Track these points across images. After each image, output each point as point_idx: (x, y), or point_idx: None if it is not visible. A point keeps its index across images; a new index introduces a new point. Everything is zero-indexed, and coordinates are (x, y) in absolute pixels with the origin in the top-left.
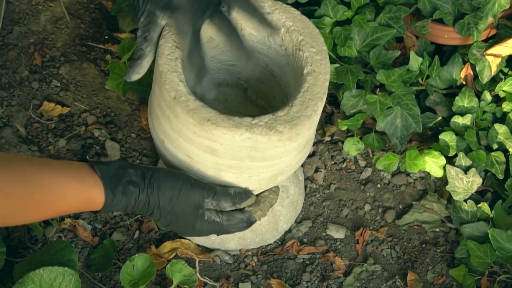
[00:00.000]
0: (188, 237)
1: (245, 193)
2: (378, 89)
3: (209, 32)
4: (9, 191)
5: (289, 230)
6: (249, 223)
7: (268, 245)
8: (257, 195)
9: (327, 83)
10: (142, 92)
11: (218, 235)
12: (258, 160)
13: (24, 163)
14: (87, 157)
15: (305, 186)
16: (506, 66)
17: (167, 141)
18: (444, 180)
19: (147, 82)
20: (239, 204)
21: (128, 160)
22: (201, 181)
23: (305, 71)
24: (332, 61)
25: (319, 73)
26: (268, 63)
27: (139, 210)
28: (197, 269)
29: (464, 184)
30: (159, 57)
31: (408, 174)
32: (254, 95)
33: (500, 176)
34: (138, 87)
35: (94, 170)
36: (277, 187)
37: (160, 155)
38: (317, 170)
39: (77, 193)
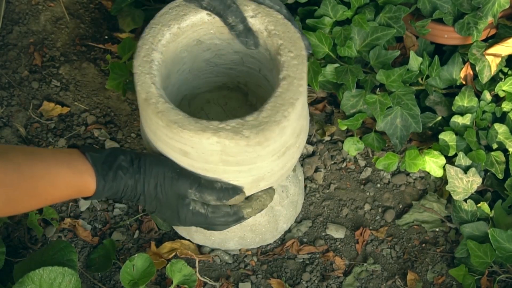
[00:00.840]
0: (188, 237)
1: (233, 189)
2: (378, 89)
3: (194, 34)
4: (3, 182)
5: (289, 230)
6: (237, 218)
7: (268, 245)
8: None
9: (302, 89)
10: None
11: (205, 228)
12: (231, 165)
13: (16, 153)
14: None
15: (305, 186)
16: (506, 66)
17: (147, 140)
18: (444, 180)
19: None
20: (225, 200)
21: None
22: (188, 171)
23: (280, 76)
24: (332, 61)
25: (293, 78)
26: (261, 68)
27: (127, 195)
28: (197, 269)
29: (464, 183)
30: (135, 59)
31: (408, 174)
32: (254, 99)
33: (500, 176)
34: None
35: (85, 157)
36: (272, 189)
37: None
38: (317, 170)
39: (69, 180)
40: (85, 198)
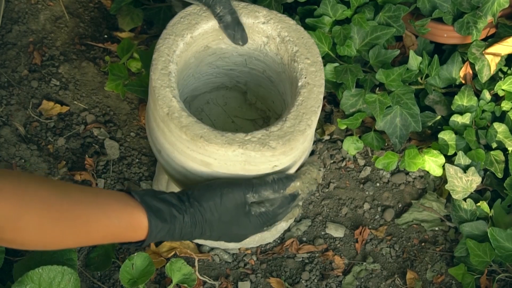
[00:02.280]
0: None
1: (286, 178)
2: (377, 88)
3: (203, 41)
4: (57, 214)
5: (288, 229)
6: (293, 197)
7: (267, 244)
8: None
9: (322, 96)
10: (141, 93)
11: (271, 225)
12: (251, 172)
13: (69, 187)
14: (87, 156)
15: None
16: (505, 65)
17: (163, 151)
18: (443, 179)
19: (146, 82)
20: (283, 190)
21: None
22: (235, 179)
23: (299, 83)
24: (331, 60)
25: (313, 86)
26: (266, 69)
27: (186, 233)
28: (196, 268)
29: (463, 183)
30: (152, 72)
31: (407, 173)
32: (253, 98)
33: (499, 175)
34: (137, 87)
35: (133, 197)
36: (315, 159)
37: (158, 162)
38: None
39: (121, 215)
40: (138, 244)
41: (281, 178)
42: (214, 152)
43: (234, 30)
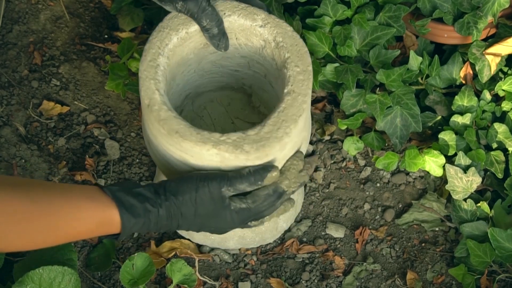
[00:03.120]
0: (187, 237)
1: (263, 169)
2: (378, 88)
3: (201, 38)
4: (17, 213)
5: (289, 229)
6: (279, 195)
7: (267, 244)
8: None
9: (305, 105)
10: None
11: (256, 220)
12: None
13: (34, 186)
14: (87, 156)
15: (305, 185)
16: (505, 65)
17: (149, 142)
18: (443, 179)
19: None
20: (260, 182)
21: (133, 180)
22: (213, 172)
23: (285, 90)
24: (332, 61)
25: (298, 94)
26: (266, 73)
27: (162, 226)
28: (197, 268)
29: (464, 183)
30: (141, 62)
31: (407, 173)
32: (257, 102)
33: (500, 175)
34: (137, 87)
35: (105, 193)
36: (300, 152)
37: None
38: (316, 169)
39: (92, 213)
40: (114, 237)
41: (257, 169)
42: (190, 149)
43: (219, 40)
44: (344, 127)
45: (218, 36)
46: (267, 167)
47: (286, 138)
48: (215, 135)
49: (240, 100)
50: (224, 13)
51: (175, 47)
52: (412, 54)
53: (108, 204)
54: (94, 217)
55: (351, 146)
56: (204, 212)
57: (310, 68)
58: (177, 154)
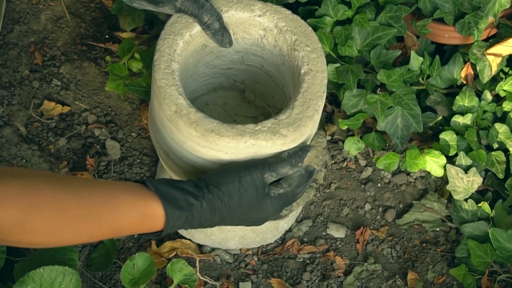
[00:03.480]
0: (188, 237)
1: (301, 150)
2: (378, 88)
3: (201, 39)
4: (60, 205)
5: (290, 230)
6: (310, 174)
7: (268, 245)
8: None
9: (326, 81)
10: (142, 93)
11: (286, 211)
12: None
13: (76, 180)
14: (88, 156)
15: None
16: (506, 66)
17: (171, 153)
18: (444, 180)
19: (147, 82)
20: (300, 163)
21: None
22: (251, 160)
23: (302, 71)
24: (333, 61)
25: (316, 72)
26: (263, 64)
27: (205, 220)
28: (198, 268)
29: (465, 183)
30: (155, 72)
31: (408, 174)
32: (252, 95)
33: (501, 176)
34: (138, 87)
35: (147, 187)
36: (322, 130)
37: (164, 165)
38: None
39: (135, 206)
40: (157, 234)
41: (296, 151)
42: (226, 145)
43: (223, 35)
44: (345, 127)
45: (220, 31)
46: (305, 148)
47: (317, 115)
48: (250, 126)
49: (234, 97)
50: (222, 9)
51: (182, 52)
52: (413, 54)
53: (150, 197)
54: (137, 210)
55: (352, 146)
56: (247, 202)
57: (319, 46)
58: (209, 155)
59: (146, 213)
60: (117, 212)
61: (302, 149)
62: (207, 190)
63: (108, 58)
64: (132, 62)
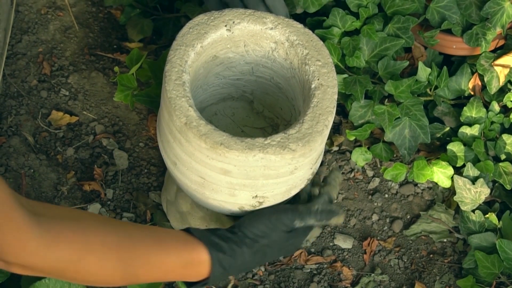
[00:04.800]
0: None
1: (331, 212)
2: (386, 99)
3: (212, 50)
4: (116, 247)
5: None
6: (331, 201)
7: None
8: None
9: (336, 96)
10: (150, 104)
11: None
12: (272, 178)
13: (125, 224)
14: (95, 166)
15: None
16: None
17: (179, 163)
18: (452, 191)
19: (155, 93)
20: (326, 221)
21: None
22: (283, 206)
23: (313, 85)
24: (340, 72)
25: (327, 87)
26: (273, 76)
27: (246, 263)
28: None
29: (472, 194)
30: (166, 83)
31: (415, 184)
32: (260, 107)
33: (508, 187)
34: (146, 98)
35: (191, 233)
36: (339, 167)
37: (172, 176)
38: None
39: (182, 250)
40: (204, 283)
41: (326, 210)
42: (234, 158)
43: None
44: (352, 138)
45: None
46: (337, 210)
47: (326, 131)
48: (259, 140)
49: (243, 108)
50: (233, 22)
51: (193, 63)
52: (420, 65)
53: (196, 243)
54: (184, 256)
55: (360, 157)
56: (280, 242)
57: (330, 60)
58: (217, 168)
59: (193, 258)
60: (165, 255)
61: (331, 211)
62: (242, 234)
63: (116, 68)
64: (140, 72)
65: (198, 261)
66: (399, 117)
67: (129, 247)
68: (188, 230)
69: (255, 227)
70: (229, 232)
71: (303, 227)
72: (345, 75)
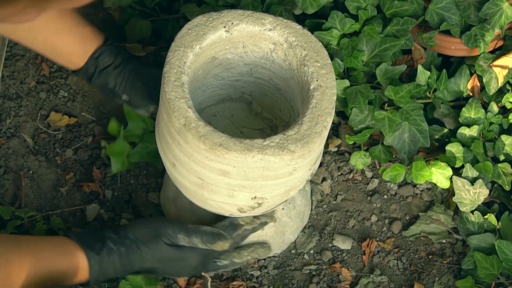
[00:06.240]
0: None
1: (218, 235)
2: (385, 104)
3: (211, 52)
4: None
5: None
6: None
7: (274, 256)
8: (245, 245)
9: (335, 97)
10: (147, 156)
11: (225, 261)
12: (271, 179)
13: (19, 238)
14: (94, 167)
15: (311, 197)
16: None
17: (178, 165)
18: (450, 191)
19: (145, 145)
20: (210, 245)
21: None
22: (172, 220)
23: (311, 87)
24: (339, 76)
25: (326, 88)
26: (272, 77)
27: (125, 263)
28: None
29: (471, 195)
30: (165, 84)
31: (414, 185)
32: (259, 108)
33: (507, 188)
34: (141, 152)
35: (71, 239)
36: (267, 244)
37: (171, 177)
38: (323, 181)
39: (58, 257)
40: (84, 286)
41: (212, 233)
42: (233, 159)
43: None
44: (351, 143)
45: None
46: (223, 236)
47: (325, 132)
48: (257, 141)
49: (241, 109)
50: (232, 23)
51: (192, 64)
52: (420, 68)
53: (74, 247)
54: (62, 262)
55: (358, 161)
56: (164, 254)
57: (329, 61)
58: (216, 169)
59: (71, 261)
60: (39, 264)
61: (218, 235)
62: (124, 234)
63: (103, 142)
64: (127, 133)
65: (77, 265)
66: (399, 122)
67: (19, 258)
68: (67, 235)
69: (138, 230)
70: (112, 232)
71: (193, 247)
72: (345, 82)
